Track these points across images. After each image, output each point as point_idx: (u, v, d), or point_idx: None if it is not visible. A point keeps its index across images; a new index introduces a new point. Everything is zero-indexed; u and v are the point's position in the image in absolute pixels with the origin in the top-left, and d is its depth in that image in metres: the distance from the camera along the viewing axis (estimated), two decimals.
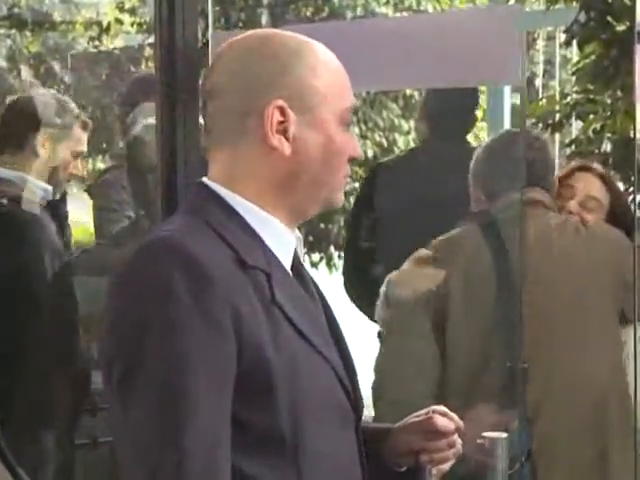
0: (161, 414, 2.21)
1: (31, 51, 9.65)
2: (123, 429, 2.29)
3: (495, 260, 4.75)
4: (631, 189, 6.92)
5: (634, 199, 7.04)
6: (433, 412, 2.71)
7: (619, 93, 6.30)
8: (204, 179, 2.51)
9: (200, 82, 2.62)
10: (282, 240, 2.50)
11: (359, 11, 8.33)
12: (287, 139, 2.44)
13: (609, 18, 6.56)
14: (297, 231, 2.86)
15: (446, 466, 2.75)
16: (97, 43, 9.47)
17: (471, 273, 4.80)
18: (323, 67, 2.51)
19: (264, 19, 8.42)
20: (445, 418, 2.70)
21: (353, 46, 2.62)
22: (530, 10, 8.19)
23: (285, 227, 2.50)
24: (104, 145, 9.30)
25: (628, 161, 6.57)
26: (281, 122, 2.42)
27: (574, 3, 7.06)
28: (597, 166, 5.63)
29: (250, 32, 2.63)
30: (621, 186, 7.47)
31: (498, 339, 4.73)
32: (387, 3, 8.42)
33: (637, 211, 6.84)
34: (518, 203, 4.61)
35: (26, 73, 9.61)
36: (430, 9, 8.61)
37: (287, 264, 2.50)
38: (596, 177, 5.34)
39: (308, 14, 8.36)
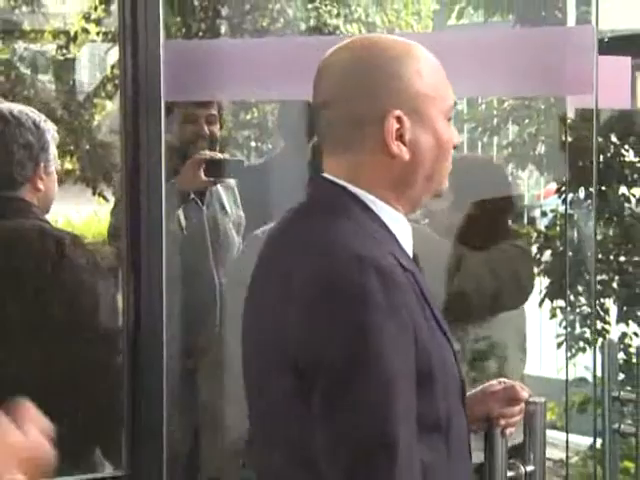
0: (377, 405, 2.26)
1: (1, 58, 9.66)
2: (327, 420, 2.28)
3: None
4: (563, 188, 7.09)
5: (566, 198, 7.22)
6: (503, 382, 2.90)
7: (552, 100, 6.40)
8: (332, 177, 2.50)
9: None
10: (407, 234, 2.53)
11: (312, 22, 8.44)
12: (404, 144, 2.43)
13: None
14: None
15: (514, 429, 2.91)
16: (65, 51, 9.49)
17: None
18: (428, 69, 2.50)
19: (222, 29, 8.47)
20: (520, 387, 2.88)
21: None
22: (469, 22, 8.21)
23: (406, 221, 2.55)
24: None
25: (562, 163, 6.69)
26: (398, 129, 2.42)
27: (510, 16, 7.13)
28: None
29: (352, 40, 2.60)
30: (554, 185, 7.61)
31: None
32: (338, 15, 8.49)
33: (568, 208, 7.04)
34: None
35: None
36: (378, 21, 8.71)
37: (410, 255, 2.55)
38: None
39: (264, 24, 8.44)
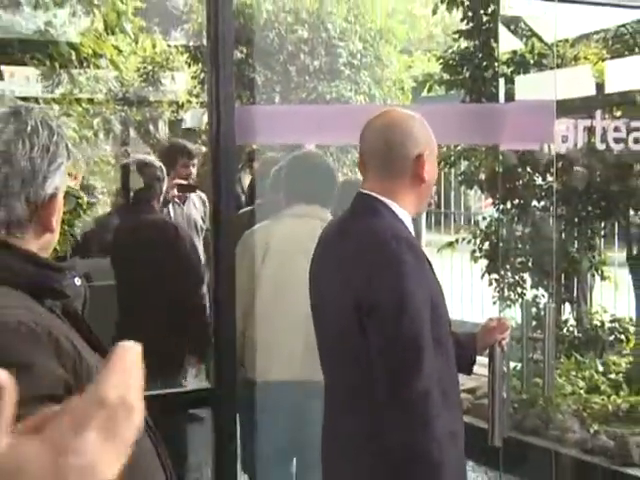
0: (413, 327, 2.40)
1: (136, 119, 9.66)
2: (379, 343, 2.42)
3: None
4: (497, 202, 7.08)
5: (498, 209, 7.20)
6: (495, 320, 3.02)
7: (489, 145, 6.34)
8: (371, 192, 2.59)
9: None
10: (412, 228, 2.65)
11: (333, 95, 8.49)
12: (427, 172, 2.57)
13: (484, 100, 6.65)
14: None
15: (507, 341, 3.05)
16: (175, 114, 9.51)
17: None
18: (428, 129, 2.64)
19: (276, 99, 8.51)
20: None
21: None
22: (435, 94, 8.17)
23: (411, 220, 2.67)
24: None
25: (497, 185, 6.68)
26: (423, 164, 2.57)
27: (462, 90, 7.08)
28: None
29: (385, 111, 2.72)
30: (490, 201, 7.61)
31: None
32: (350, 90, 8.51)
33: (500, 215, 7.03)
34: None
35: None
36: (377, 94, 8.73)
37: None
38: None
39: (303, 96, 8.50)
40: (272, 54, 8.52)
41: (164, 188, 4.84)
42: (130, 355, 1.01)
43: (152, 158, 5.31)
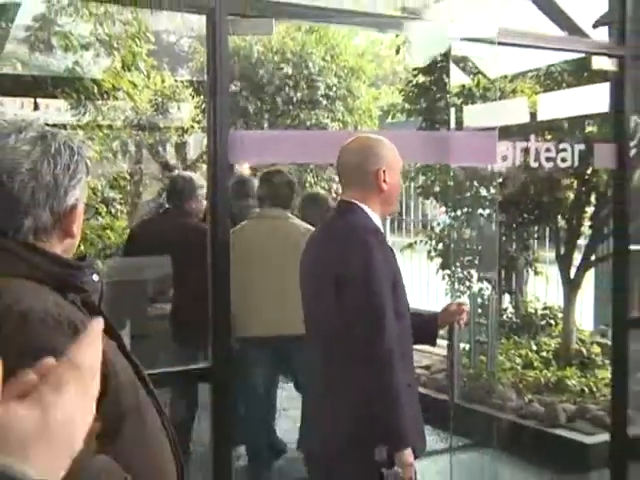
0: (376, 296, 2.52)
1: (148, 142, 9.59)
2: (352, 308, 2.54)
3: None
4: (449, 210, 7.10)
5: (450, 216, 7.22)
6: (455, 304, 3.07)
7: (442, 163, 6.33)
8: (349, 198, 2.72)
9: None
10: (381, 227, 2.76)
11: (313, 121, 8.50)
12: (386, 183, 2.70)
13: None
14: None
15: (465, 321, 3.07)
16: (181, 138, 9.46)
17: None
18: (392, 150, 2.77)
19: (265, 124, 8.49)
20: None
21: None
22: (398, 121, 8.18)
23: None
24: None
25: (449, 197, 6.69)
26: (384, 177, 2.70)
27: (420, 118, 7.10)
28: None
29: (357, 136, 2.85)
30: (444, 210, 7.61)
31: None
32: (327, 117, 8.51)
33: (451, 222, 7.03)
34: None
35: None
36: (349, 121, 8.73)
37: None
38: None
39: (288, 122, 8.52)
40: (262, 87, 8.50)
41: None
42: (98, 329, 1.04)
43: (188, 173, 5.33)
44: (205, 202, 4.53)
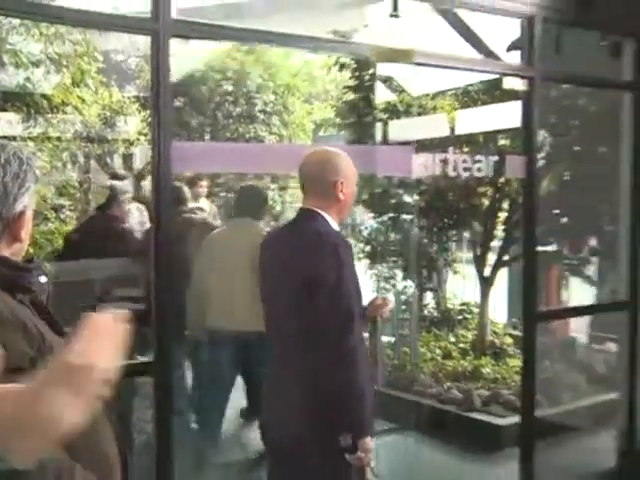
0: (346, 298, 2.52)
1: (96, 153, 9.42)
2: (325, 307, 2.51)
3: None
4: (375, 216, 7.14)
5: (376, 221, 7.25)
6: (380, 298, 3.07)
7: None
8: (310, 206, 2.71)
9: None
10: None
11: (252, 134, 8.50)
12: (343, 193, 2.70)
13: None
14: None
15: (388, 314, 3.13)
16: (129, 150, 9.34)
17: None
18: (349, 162, 2.75)
19: (207, 137, 8.44)
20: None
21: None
22: (330, 134, 8.22)
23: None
24: None
25: (374, 203, 6.71)
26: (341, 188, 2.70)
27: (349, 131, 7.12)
28: None
29: (315, 150, 2.81)
30: (371, 215, 7.64)
31: None
32: (264, 131, 8.54)
33: (378, 225, 7.07)
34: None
35: None
36: (285, 133, 8.81)
37: None
38: None
39: (228, 135, 8.49)
40: (204, 103, 8.45)
41: None
42: (97, 326, 1.01)
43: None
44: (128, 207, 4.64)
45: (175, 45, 3.09)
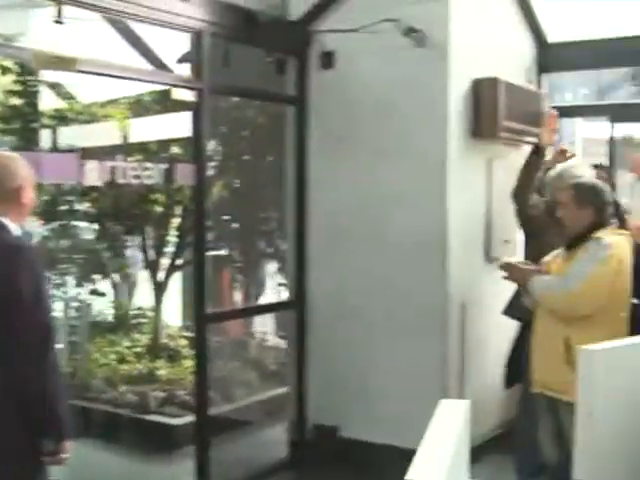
0: (46, 315, 2.43)
1: None
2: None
3: None
4: (44, 223, 6.68)
5: (46, 228, 6.78)
6: None
7: None
8: None
9: None
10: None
11: None
12: (25, 198, 2.54)
13: None
14: None
15: None
16: None
17: None
18: (28, 167, 2.59)
19: None
20: None
21: None
22: None
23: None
24: None
25: (44, 210, 6.27)
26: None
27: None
28: None
29: None
30: (41, 221, 7.14)
31: None
32: None
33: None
34: None
35: None
36: None
37: None
38: None
39: None
40: None
41: None
42: None
43: None
44: None
45: None
